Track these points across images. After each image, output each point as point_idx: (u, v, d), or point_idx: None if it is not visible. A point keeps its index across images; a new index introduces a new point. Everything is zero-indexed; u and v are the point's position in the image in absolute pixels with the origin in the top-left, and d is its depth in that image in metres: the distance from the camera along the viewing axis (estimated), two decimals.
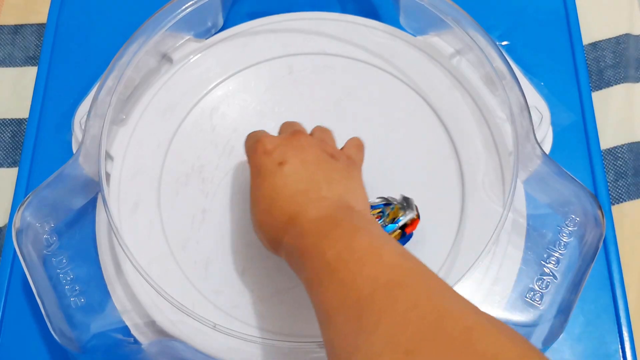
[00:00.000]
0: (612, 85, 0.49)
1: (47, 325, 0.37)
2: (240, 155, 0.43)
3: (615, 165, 0.46)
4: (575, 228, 0.38)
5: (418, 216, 0.38)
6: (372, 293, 0.27)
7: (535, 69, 0.46)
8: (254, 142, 0.36)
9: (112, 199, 0.41)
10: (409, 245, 0.39)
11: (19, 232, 0.38)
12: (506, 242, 0.39)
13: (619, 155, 0.47)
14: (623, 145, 0.47)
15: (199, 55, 0.45)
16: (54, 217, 0.39)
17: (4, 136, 0.49)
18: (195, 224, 0.41)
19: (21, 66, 0.51)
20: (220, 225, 0.41)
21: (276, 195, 0.34)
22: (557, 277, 0.37)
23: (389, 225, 0.38)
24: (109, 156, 0.42)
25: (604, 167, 0.45)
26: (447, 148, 0.42)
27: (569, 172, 0.38)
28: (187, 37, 0.46)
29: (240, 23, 0.46)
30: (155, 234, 0.40)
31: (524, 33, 0.49)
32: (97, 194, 0.41)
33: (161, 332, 0.38)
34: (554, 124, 0.44)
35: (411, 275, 0.28)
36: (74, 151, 0.44)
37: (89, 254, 0.40)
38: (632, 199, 0.45)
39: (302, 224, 0.32)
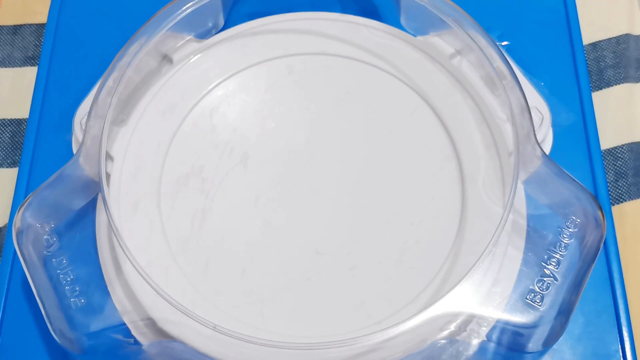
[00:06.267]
0: (612, 86, 0.49)
1: (47, 326, 0.37)
2: (240, 155, 0.43)
3: (616, 165, 0.46)
4: (576, 229, 0.38)
5: None
6: None
7: (535, 69, 0.46)
8: None
9: (112, 199, 0.41)
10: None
11: (19, 233, 0.38)
12: (506, 243, 0.39)
13: (619, 155, 0.47)
14: (623, 145, 0.47)
15: (199, 55, 0.45)
16: (54, 217, 0.39)
17: (3, 136, 0.49)
18: (195, 224, 0.41)
19: (21, 66, 0.51)
20: (220, 225, 0.41)
21: None
22: (558, 278, 0.37)
23: None
24: (109, 157, 0.42)
25: (604, 168, 0.45)
26: (447, 148, 0.42)
27: (569, 173, 0.38)
28: (188, 38, 0.45)
29: (240, 23, 0.46)
30: (155, 234, 0.40)
31: (524, 33, 0.48)
32: (97, 194, 0.41)
33: (161, 333, 0.38)
34: (554, 124, 0.44)
35: None
36: (74, 151, 0.44)
37: (89, 255, 0.40)
38: (632, 199, 0.45)
39: None
